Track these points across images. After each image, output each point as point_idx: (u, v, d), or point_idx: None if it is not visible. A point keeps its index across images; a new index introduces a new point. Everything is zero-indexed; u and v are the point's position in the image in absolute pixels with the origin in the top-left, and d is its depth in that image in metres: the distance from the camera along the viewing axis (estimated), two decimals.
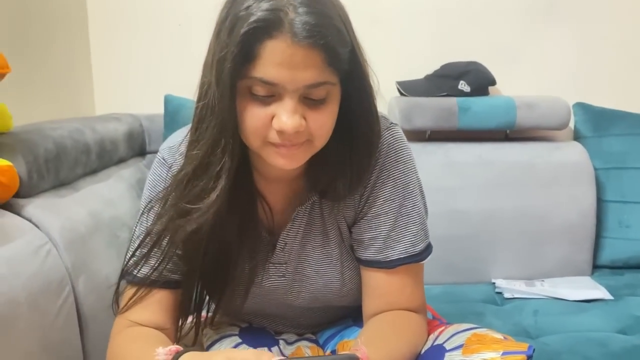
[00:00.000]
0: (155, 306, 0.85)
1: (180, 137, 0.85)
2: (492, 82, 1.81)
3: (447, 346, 0.79)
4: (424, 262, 0.89)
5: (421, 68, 1.83)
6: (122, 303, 0.86)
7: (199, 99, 0.75)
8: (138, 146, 1.63)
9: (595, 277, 1.69)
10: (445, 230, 1.63)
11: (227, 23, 0.69)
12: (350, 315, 0.99)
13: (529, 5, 1.89)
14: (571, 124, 1.85)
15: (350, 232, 0.89)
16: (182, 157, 0.80)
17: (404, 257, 0.86)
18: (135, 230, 0.87)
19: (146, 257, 0.83)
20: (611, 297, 1.53)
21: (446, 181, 1.68)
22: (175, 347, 0.73)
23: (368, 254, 0.87)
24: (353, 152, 0.81)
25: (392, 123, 0.87)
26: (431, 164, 1.70)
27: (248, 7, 0.67)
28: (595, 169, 1.75)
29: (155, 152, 0.91)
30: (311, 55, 0.68)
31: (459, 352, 0.76)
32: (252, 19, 0.67)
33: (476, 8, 1.89)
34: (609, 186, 1.76)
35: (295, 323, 0.99)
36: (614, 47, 1.91)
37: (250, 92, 0.71)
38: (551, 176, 1.71)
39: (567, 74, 1.92)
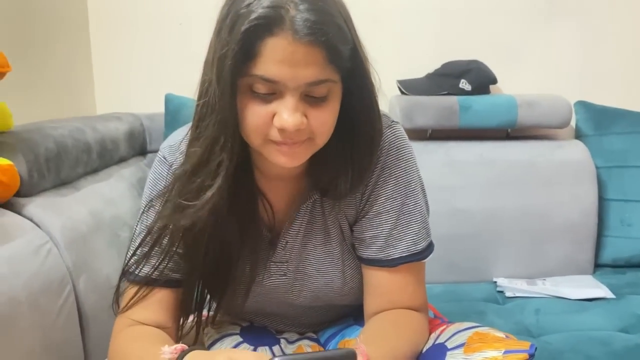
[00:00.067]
0: (156, 305, 0.85)
1: (180, 135, 0.85)
2: (493, 81, 1.81)
3: (449, 345, 0.79)
4: (425, 260, 0.89)
5: (422, 67, 1.83)
6: (124, 302, 0.86)
7: (200, 97, 0.75)
8: (139, 145, 1.63)
9: (597, 276, 1.69)
10: (447, 229, 1.63)
11: (228, 21, 0.69)
12: (351, 314, 0.99)
13: (530, 3, 1.89)
14: (572, 123, 1.85)
15: (352, 231, 0.89)
16: (183, 156, 0.80)
17: (405, 256, 0.85)
18: (136, 229, 0.87)
19: (147, 255, 0.83)
20: (613, 296, 1.52)
21: (447, 180, 1.68)
22: (180, 346, 0.73)
23: (369, 253, 0.87)
24: (354, 150, 0.81)
25: (393, 121, 0.87)
26: (432, 162, 1.69)
27: (249, 4, 0.67)
28: (597, 168, 1.74)
29: (156, 151, 0.91)
30: (312, 52, 0.68)
31: (460, 350, 0.76)
32: (253, 16, 0.66)
33: (477, 7, 1.89)
34: (611, 185, 1.76)
35: (296, 322, 0.99)
36: (615, 46, 1.91)
37: (251, 90, 0.71)
38: (552, 175, 1.70)
39: (569, 73, 1.92)
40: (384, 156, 0.84)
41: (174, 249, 0.82)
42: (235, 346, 0.89)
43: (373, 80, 0.78)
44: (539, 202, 1.69)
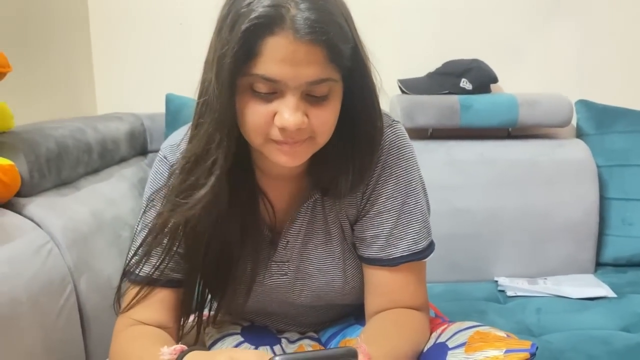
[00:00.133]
0: (157, 305, 0.85)
1: (181, 135, 0.85)
2: (494, 80, 1.81)
3: (450, 344, 0.79)
4: (426, 260, 0.89)
5: (423, 66, 1.83)
6: (125, 302, 0.86)
7: (200, 96, 0.75)
8: (140, 145, 1.63)
9: (598, 275, 1.68)
10: (448, 229, 1.63)
11: (229, 20, 0.69)
12: (352, 313, 0.99)
13: (531, 2, 1.89)
14: (574, 122, 1.85)
15: (353, 230, 0.89)
16: None
17: (406, 255, 0.85)
18: (137, 229, 0.87)
19: (147, 255, 0.83)
20: (614, 295, 1.52)
21: (448, 179, 1.68)
22: (180, 347, 0.73)
23: (370, 252, 0.87)
24: (355, 150, 0.81)
25: (394, 120, 0.86)
26: (433, 162, 1.69)
27: (249, 3, 0.67)
28: (598, 167, 1.74)
29: (157, 151, 0.91)
30: (313, 51, 0.68)
31: (461, 350, 0.76)
32: (254, 15, 0.66)
33: (478, 6, 1.89)
34: (612, 184, 1.76)
35: (297, 321, 0.99)
36: (616, 44, 1.91)
37: (251, 89, 0.71)
38: (554, 174, 1.70)
39: (570, 71, 1.92)
40: (385, 155, 0.84)
41: (175, 248, 0.82)
42: (236, 346, 0.89)
43: (374, 79, 0.78)
44: (540, 201, 1.69)
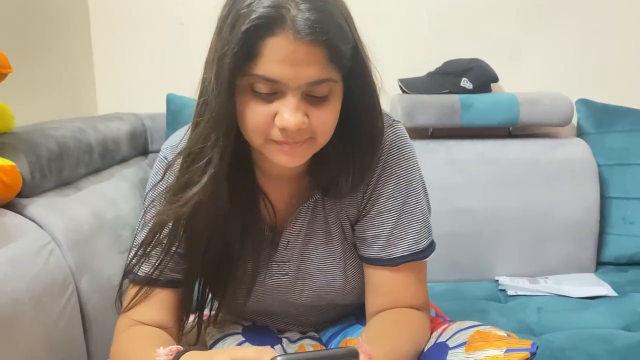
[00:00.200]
0: (157, 305, 0.85)
1: (181, 135, 0.85)
2: (495, 79, 1.81)
3: (450, 344, 0.79)
4: (427, 259, 0.89)
5: (423, 65, 1.83)
6: (125, 302, 0.86)
7: (200, 96, 0.75)
8: (140, 145, 1.63)
9: (599, 274, 1.68)
10: (449, 228, 1.63)
11: (229, 20, 0.69)
12: (353, 313, 0.99)
13: (532, 1, 1.89)
14: (574, 121, 1.84)
15: (353, 230, 0.89)
16: None
17: (407, 255, 0.86)
18: (137, 229, 0.87)
19: (147, 255, 0.83)
20: (615, 294, 1.52)
21: (449, 179, 1.68)
22: (175, 347, 0.72)
23: (371, 252, 0.87)
24: (356, 150, 0.81)
25: (394, 120, 0.87)
26: (434, 161, 1.69)
27: (250, 4, 0.67)
28: (599, 166, 1.74)
29: (158, 151, 0.91)
30: (313, 51, 0.68)
31: (462, 349, 0.76)
32: (254, 15, 0.66)
33: (478, 5, 1.89)
34: (613, 182, 1.76)
35: (298, 321, 0.99)
36: (617, 43, 1.91)
37: (252, 90, 0.71)
38: (554, 173, 1.70)
39: (570, 70, 1.92)
40: (385, 155, 0.84)
41: (174, 248, 0.82)
42: (237, 345, 0.89)
43: (374, 79, 0.78)
44: (540, 201, 1.68)
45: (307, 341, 0.97)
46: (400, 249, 0.85)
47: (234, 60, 0.68)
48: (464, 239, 1.67)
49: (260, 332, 0.96)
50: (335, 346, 0.95)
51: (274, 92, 0.71)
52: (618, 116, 1.81)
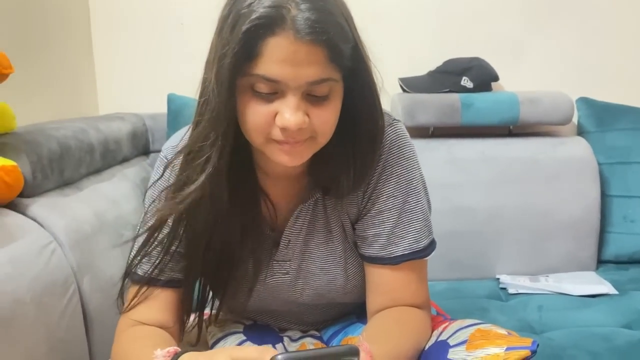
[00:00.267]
0: (158, 305, 0.85)
1: (182, 135, 0.85)
2: (495, 78, 1.81)
3: (451, 342, 0.79)
4: (427, 258, 0.89)
5: (423, 64, 1.83)
6: (126, 302, 0.86)
7: (200, 96, 0.75)
8: (142, 145, 1.63)
9: (599, 272, 1.69)
10: (449, 227, 1.63)
11: (229, 20, 0.69)
12: (354, 311, 0.99)
13: (532, 0, 1.89)
14: (574, 119, 1.85)
15: (354, 229, 0.89)
16: None
17: (407, 253, 0.86)
18: (138, 229, 0.88)
19: (147, 253, 0.83)
20: (616, 292, 1.52)
21: (449, 177, 1.68)
22: (173, 349, 0.72)
23: (372, 251, 0.87)
24: (356, 149, 0.81)
25: (394, 119, 0.87)
26: (434, 160, 1.69)
27: (250, 4, 0.67)
28: (599, 164, 1.74)
29: (159, 151, 0.91)
30: (314, 51, 0.68)
31: (462, 347, 0.77)
32: (254, 16, 0.67)
33: (478, 4, 1.89)
34: (613, 181, 1.76)
35: (299, 320, 1.00)
36: (617, 42, 1.91)
37: (252, 89, 0.71)
38: (555, 172, 1.70)
39: (570, 69, 1.92)
40: (386, 154, 0.84)
41: (174, 248, 0.82)
42: (239, 344, 0.90)
43: (375, 79, 0.78)
44: (541, 199, 1.69)
45: (308, 340, 0.97)
46: (400, 248, 0.86)
47: (235, 60, 0.68)
48: (464, 237, 1.67)
49: (261, 330, 0.96)
50: (336, 344, 0.95)
51: (275, 91, 0.71)
52: (618, 115, 1.81)
